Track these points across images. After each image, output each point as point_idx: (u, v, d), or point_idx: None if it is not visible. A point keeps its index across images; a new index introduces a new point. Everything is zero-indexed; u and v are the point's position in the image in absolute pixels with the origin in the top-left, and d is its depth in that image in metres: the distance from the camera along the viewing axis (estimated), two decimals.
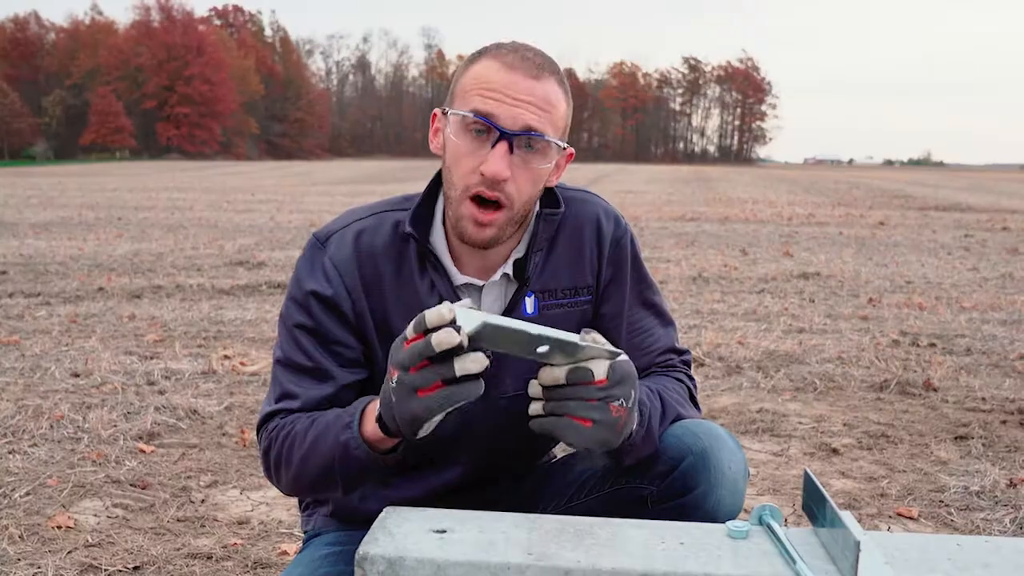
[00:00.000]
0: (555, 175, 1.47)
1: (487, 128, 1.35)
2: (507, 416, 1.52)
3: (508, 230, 1.42)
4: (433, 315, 1.13)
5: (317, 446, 1.35)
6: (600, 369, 1.21)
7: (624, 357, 1.25)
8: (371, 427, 1.29)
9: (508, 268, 1.48)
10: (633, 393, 1.25)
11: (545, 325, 1.51)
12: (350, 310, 1.45)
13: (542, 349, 1.19)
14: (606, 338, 1.57)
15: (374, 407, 1.29)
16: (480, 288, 1.49)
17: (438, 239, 1.48)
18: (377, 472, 1.34)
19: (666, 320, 1.62)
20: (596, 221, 1.55)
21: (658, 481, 1.42)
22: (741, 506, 1.41)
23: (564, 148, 1.43)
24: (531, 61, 1.36)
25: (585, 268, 1.54)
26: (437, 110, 1.45)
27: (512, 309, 1.49)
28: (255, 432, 1.51)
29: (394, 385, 1.18)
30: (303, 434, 1.38)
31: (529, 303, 1.50)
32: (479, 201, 1.37)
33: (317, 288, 1.44)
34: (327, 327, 1.45)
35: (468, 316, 1.15)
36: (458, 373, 1.14)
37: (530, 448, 1.64)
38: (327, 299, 1.44)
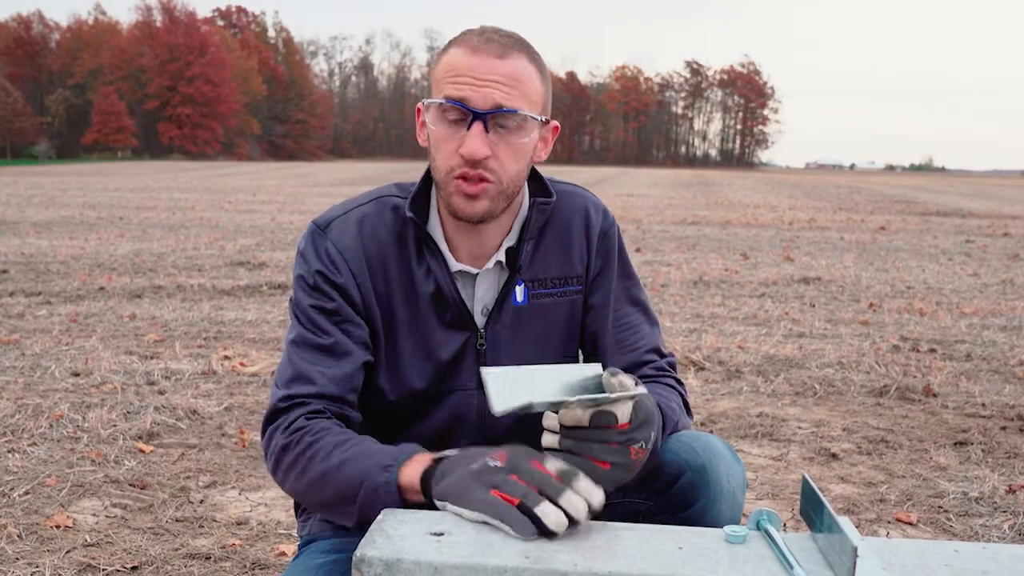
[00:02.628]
0: (543, 150, 1.48)
1: (461, 112, 1.37)
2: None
3: (500, 204, 1.42)
4: (554, 522, 1.06)
5: (344, 470, 1.29)
6: (624, 412, 1.18)
7: (644, 391, 1.21)
8: (410, 479, 1.22)
9: (501, 256, 1.50)
10: (653, 434, 1.23)
11: (534, 314, 1.52)
12: (357, 293, 1.45)
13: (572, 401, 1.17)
14: (593, 330, 1.57)
15: (422, 462, 1.23)
16: (474, 276, 1.50)
17: (434, 225, 1.50)
18: None
19: (652, 319, 1.62)
20: (585, 212, 1.57)
21: (656, 497, 1.41)
22: (739, 519, 1.41)
23: (545, 121, 1.44)
24: (496, 42, 1.38)
25: (575, 258, 1.55)
26: (420, 104, 1.47)
27: (503, 297, 1.50)
28: (263, 423, 1.43)
29: (474, 469, 1.14)
30: (330, 449, 1.32)
31: (519, 292, 1.51)
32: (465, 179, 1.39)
33: (325, 272, 1.45)
34: (340, 306, 1.45)
35: (508, 397, 1.13)
36: (546, 523, 1.07)
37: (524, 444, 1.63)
38: (334, 283, 1.45)
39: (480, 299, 1.51)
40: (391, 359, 1.49)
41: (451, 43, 1.43)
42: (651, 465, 1.40)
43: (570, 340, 1.59)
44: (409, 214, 1.45)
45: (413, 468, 1.23)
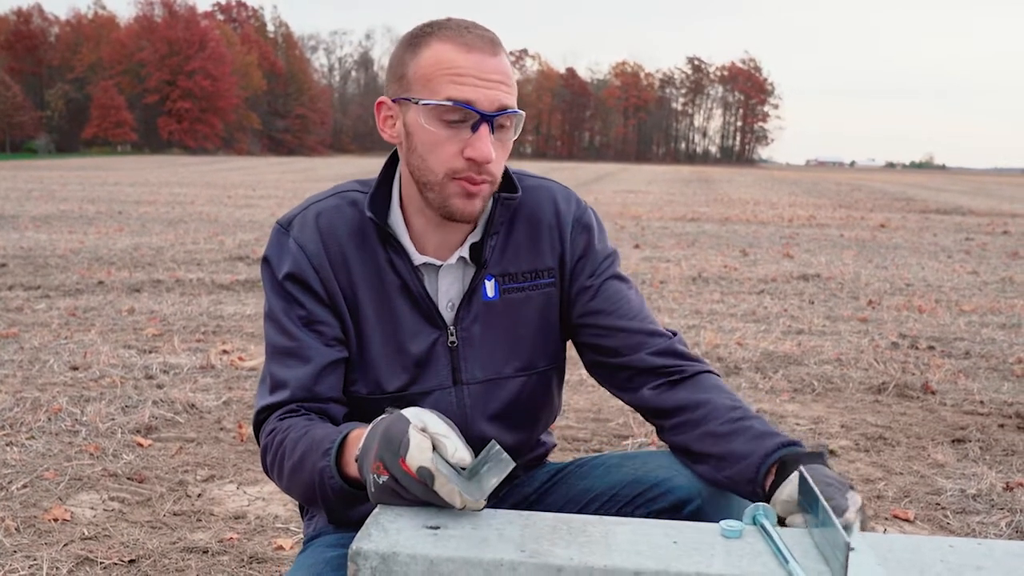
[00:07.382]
0: None
1: (466, 113, 1.35)
2: (478, 402, 1.51)
3: (488, 202, 1.44)
4: (445, 494, 1.09)
5: (303, 463, 1.32)
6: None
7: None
8: (351, 466, 1.25)
9: (464, 252, 1.49)
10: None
11: (506, 309, 1.51)
12: (321, 288, 1.45)
13: None
14: (588, 319, 1.53)
15: (356, 439, 1.25)
16: (438, 268, 1.49)
17: (396, 220, 1.49)
18: (357, 502, 1.29)
19: (637, 293, 1.60)
20: (554, 204, 1.55)
21: (666, 516, 1.41)
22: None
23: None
24: (484, 37, 1.38)
25: (545, 251, 1.53)
26: (384, 99, 1.44)
27: (472, 292, 1.49)
28: (252, 427, 1.50)
29: (381, 483, 1.14)
30: (293, 445, 1.35)
31: (489, 287, 1.50)
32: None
33: (288, 270, 1.45)
34: (306, 306, 1.45)
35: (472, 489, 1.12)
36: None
37: (505, 434, 1.60)
38: (299, 279, 1.45)
39: (444, 293, 1.49)
40: (361, 354, 1.48)
41: (428, 36, 1.38)
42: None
43: (546, 334, 1.56)
44: (368, 213, 1.44)
45: (350, 452, 1.25)
